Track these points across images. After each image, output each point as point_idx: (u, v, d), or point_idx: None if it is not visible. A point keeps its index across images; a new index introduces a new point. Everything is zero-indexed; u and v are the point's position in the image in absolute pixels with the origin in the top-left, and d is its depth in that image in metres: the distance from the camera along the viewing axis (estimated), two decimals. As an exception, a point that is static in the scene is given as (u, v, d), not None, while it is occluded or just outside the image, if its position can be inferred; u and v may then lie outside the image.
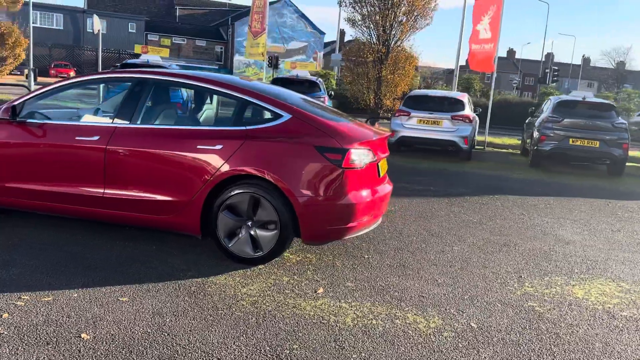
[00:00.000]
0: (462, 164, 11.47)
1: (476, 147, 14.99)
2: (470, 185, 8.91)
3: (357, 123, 4.89)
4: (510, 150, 15.42)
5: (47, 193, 4.45)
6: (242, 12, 53.43)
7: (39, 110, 4.61)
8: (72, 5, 51.51)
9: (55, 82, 4.67)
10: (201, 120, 4.74)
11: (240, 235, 4.19)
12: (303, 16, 52.72)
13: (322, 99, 12.42)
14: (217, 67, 48.91)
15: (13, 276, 3.64)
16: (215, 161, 4.14)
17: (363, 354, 2.98)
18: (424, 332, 3.32)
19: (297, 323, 3.29)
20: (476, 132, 13.84)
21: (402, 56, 17.64)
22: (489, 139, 15.84)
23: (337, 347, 3.04)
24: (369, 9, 17.16)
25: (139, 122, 4.36)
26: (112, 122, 4.39)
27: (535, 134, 11.42)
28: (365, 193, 4.30)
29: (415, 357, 3.00)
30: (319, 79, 13.78)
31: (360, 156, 4.22)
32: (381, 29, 17.10)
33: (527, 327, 3.51)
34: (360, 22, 17.31)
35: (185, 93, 6.14)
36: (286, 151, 4.14)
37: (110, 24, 48.65)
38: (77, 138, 4.38)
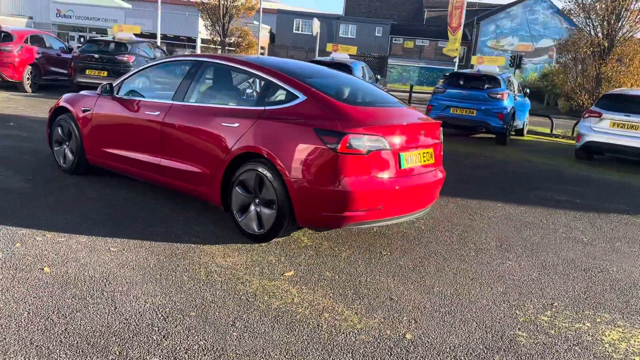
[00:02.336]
0: (665, 180, 9.31)
1: None
2: (637, 203, 7.25)
3: (391, 109, 4.56)
4: None
5: (126, 158, 5.24)
6: (490, 12, 51.56)
7: (132, 88, 5.43)
8: (329, 13, 56.45)
9: (141, 67, 5.47)
10: (233, 98, 4.98)
11: (250, 211, 4.34)
12: (558, 12, 48.28)
13: (498, 95, 11.43)
14: (452, 70, 48.20)
15: (62, 220, 4.45)
16: (232, 138, 4.36)
17: (245, 334, 2.90)
18: (338, 329, 3.03)
19: (223, 296, 3.33)
20: None
21: (629, 50, 14.88)
22: None
23: (229, 322, 3.01)
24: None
25: (186, 100, 4.83)
26: (171, 100, 4.95)
27: None
28: (371, 182, 4.01)
29: (299, 348, 2.78)
30: (506, 74, 12.62)
31: (363, 142, 3.95)
32: (605, 20, 14.71)
33: (473, 353, 2.90)
34: (578, 13, 15.19)
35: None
36: (288, 132, 4.13)
37: (360, 29, 52.00)
38: (146, 113, 5.07)
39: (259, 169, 4.19)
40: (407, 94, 18.43)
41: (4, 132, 8.17)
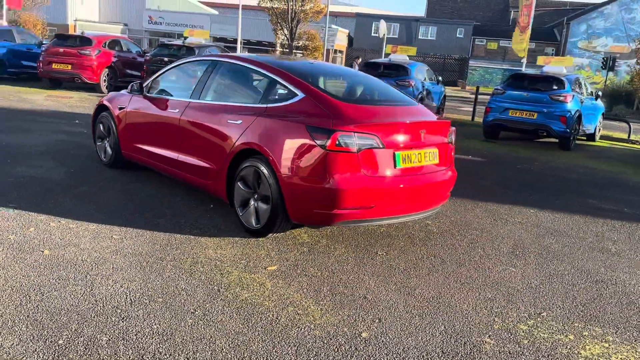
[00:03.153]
0: None
1: None
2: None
3: (393, 107, 4.49)
4: None
5: (152, 153, 5.51)
6: (582, 11, 48.76)
7: (159, 87, 5.70)
8: (409, 15, 55.84)
9: (167, 66, 5.74)
10: (240, 96, 5.07)
11: (249, 206, 4.43)
12: (659, 10, 44.85)
13: (561, 98, 10.81)
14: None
15: (82, 209, 4.76)
16: (235, 134, 4.48)
17: (200, 322, 2.99)
18: (296, 323, 3.05)
19: (196, 285, 3.44)
20: None
21: None
22: None
23: (190, 310, 3.11)
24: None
25: (201, 98, 5.02)
26: (189, 98, 5.16)
27: None
28: (361, 180, 3.97)
29: (247, 339, 2.84)
30: (573, 75, 11.86)
31: (354, 140, 3.93)
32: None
33: (426, 356, 2.81)
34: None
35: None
36: (283, 129, 4.19)
37: (440, 31, 51.00)
38: (168, 110, 5.31)
39: (257, 165, 4.28)
40: (484, 96, 17.82)
41: (68, 128, 8.85)
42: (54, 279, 3.36)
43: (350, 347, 2.85)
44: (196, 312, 3.08)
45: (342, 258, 4.13)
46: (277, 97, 4.56)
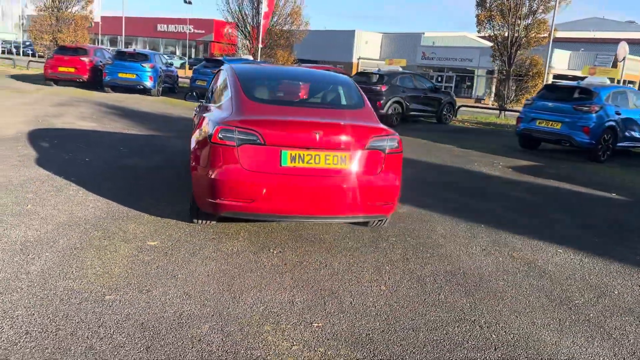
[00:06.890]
0: None
1: None
2: None
3: (307, 109, 4.46)
4: None
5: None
6: None
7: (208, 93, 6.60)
8: None
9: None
10: (215, 98, 5.47)
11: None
12: None
13: None
14: None
15: (108, 185, 5.85)
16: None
17: (18, 263, 3.68)
18: (82, 283, 3.50)
19: (71, 242, 4.12)
20: None
21: None
22: None
23: (28, 254, 3.84)
24: None
25: (208, 102, 5.76)
26: (207, 102, 5.94)
27: None
28: (239, 173, 4.11)
29: (24, 285, 3.44)
30: None
31: (235, 134, 4.12)
32: None
33: (135, 323, 2.98)
34: None
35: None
36: (200, 123, 4.64)
37: None
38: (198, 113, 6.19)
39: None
40: None
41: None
42: (-5, 219, 4.51)
43: (82, 302, 3.18)
44: (28, 256, 3.80)
45: (230, 249, 4.27)
46: (223, 97, 4.99)
